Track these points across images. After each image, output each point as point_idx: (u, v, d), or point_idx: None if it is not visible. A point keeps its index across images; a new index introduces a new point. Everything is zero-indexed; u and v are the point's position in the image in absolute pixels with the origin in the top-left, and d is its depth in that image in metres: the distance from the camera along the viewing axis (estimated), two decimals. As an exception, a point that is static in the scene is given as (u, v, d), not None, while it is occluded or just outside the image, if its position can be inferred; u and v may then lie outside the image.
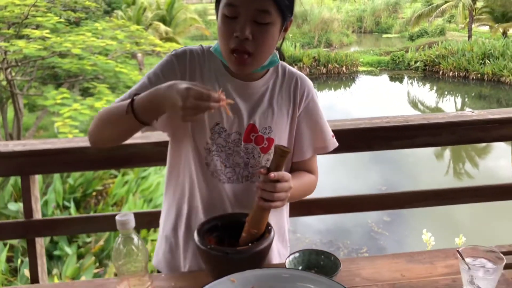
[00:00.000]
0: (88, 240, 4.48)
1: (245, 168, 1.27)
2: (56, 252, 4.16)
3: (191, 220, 1.31)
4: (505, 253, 1.48)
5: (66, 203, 4.89)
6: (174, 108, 1.00)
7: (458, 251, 1.14)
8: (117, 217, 0.94)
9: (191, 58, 1.25)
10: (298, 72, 1.34)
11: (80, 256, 4.23)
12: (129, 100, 1.11)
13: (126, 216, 0.95)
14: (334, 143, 1.40)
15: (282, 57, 1.35)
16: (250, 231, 1.12)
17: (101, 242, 4.40)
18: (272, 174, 1.08)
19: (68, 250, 4.18)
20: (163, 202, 1.42)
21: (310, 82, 1.35)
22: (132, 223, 0.96)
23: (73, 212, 4.81)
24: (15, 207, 4.46)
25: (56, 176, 5.18)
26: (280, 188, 1.09)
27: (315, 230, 7.07)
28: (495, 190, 1.92)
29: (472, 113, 1.94)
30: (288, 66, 1.34)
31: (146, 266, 1.00)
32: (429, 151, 10.63)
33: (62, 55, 6.92)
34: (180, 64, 1.24)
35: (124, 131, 1.18)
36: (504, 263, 1.11)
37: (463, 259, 1.13)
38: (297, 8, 30.87)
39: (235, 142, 1.25)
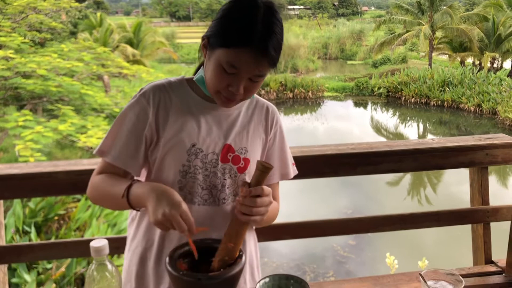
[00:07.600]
0: (48, 266, 4.31)
1: (222, 189, 1.26)
2: (14, 280, 3.97)
3: (164, 249, 1.27)
4: (464, 276, 1.54)
5: (26, 228, 4.71)
6: (154, 218, 1.05)
7: (420, 274, 1.19)
8: (91, 244, 0.94)
9: (159, 93, 1.24)
10: (266, 101, 1.39)
11: (40, 283, 4.05)
12: (125, 186, 1.17)
13: (100, 242, 0.95)
14: (294, 170, 1.43)
15: None
16: (227, 245, 1.12)
17: (63, 269, 4.25)
18: (252, 190, 1.10)
19: (27, 277, 4.01)
20: (128, 230, 1.37)
21: (277, 111, 1.40)
22: (107, 249, 0.96)
23: (34, 238, 4.64)
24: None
25: (16, 199, 4.99)
26: (260, 203, 1.11)
27: (282, 254, 7.08)
28: (453, 215, 1.99)
29: (432, 141, 2.02)
30: (255, 94, 1.37)
31: (119, 293, 1.00)
32: (394, 175, 10.90)
33: (26, 75, 6.78)
34: (150, 101, 1.23)
35: (121, 207, 1.22)
36: (463, 286, 1.16)
37: (425, 281, 1.18)
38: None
39: (212, 162, 1.24)
